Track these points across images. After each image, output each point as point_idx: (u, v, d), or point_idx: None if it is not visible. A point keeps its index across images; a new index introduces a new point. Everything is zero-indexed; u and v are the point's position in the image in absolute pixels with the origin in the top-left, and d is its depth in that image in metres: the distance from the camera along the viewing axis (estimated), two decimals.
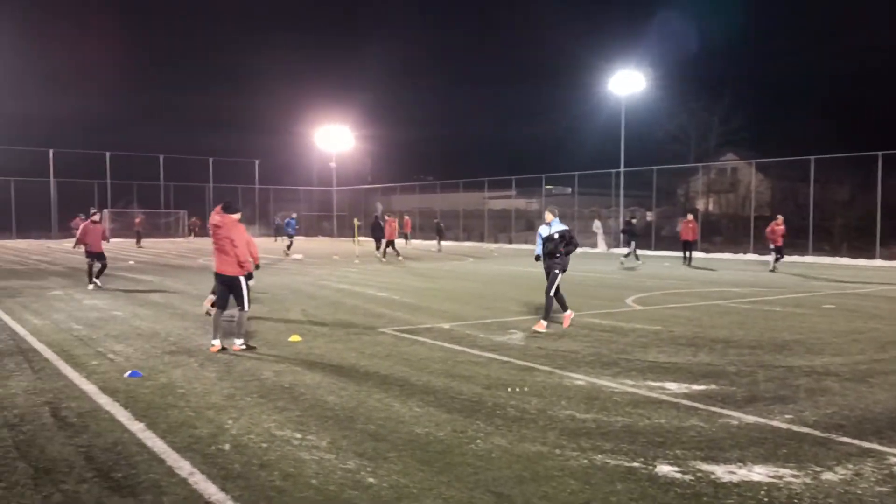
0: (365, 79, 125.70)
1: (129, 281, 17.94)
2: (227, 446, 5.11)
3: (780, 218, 22.52)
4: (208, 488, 4.33)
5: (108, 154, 53.37)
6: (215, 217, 8.70)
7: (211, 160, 58.05)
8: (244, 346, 8.66)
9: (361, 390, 6.76)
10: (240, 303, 8.63)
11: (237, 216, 8.75)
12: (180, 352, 8.59)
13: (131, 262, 25.26)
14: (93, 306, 12.82)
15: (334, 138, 58.70)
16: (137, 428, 5.53)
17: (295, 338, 9.43)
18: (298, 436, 5.35)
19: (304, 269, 22.11)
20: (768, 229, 22.74)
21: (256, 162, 60.95)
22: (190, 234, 48.41)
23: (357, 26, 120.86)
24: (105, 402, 6.29)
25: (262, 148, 79.22)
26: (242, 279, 8.65)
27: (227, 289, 8.70)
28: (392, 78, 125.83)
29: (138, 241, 39.32)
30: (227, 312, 8.82)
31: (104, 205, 51.75)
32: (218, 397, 6.48)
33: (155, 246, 39.39)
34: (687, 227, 25.35)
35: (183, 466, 4.69)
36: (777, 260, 22.90)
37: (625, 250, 35.64)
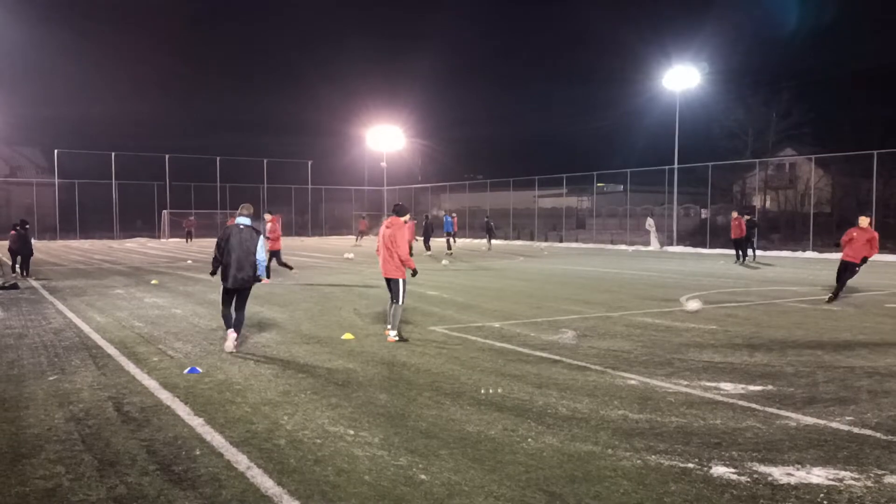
0: (416, 79, 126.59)
1: (187, 280, 18.44)
2: (282, 441, 5.22)
3: (735, 213, 25.58)
4: (265, 482, 4.44)
5: (167, 156, 54.96)
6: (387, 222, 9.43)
7: (265, 161, 59.25)
8: (397, 338, 9.23)
9: (413, 388, 6.82)
10: (395, 298, 9.29)
11: (404, 219, 9.44)
12: (237, 349, 8.79)
13: (189, 262, 25.94)
14: (153, 304, 13.23)
15: (385, 138, 59.25)
16: (197, 423, 5.69)
17: (347, 336, 9.57)
18: (351, 432, 5.44)
19: (356, 269, 22.37)
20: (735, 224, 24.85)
21: (309, 163, 61.95)
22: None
23: (408, 28, 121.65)
24: (166, 397, 6.50)
25: (315, 149, 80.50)
26: (402, 281, 9.27)
27: (388, 285, 9.41)
28: (443, 77, 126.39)
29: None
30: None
31: (163, 206, 53.31)
32: (273, 393, 6.62)
33: (211, 246, 40.33)
34: (732, 224, 24.80)
35: (240, 461, 4.82)
36: (742, 255, 25.06)
37: (678, 248, 35.03)
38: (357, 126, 63.47)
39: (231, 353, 8.51)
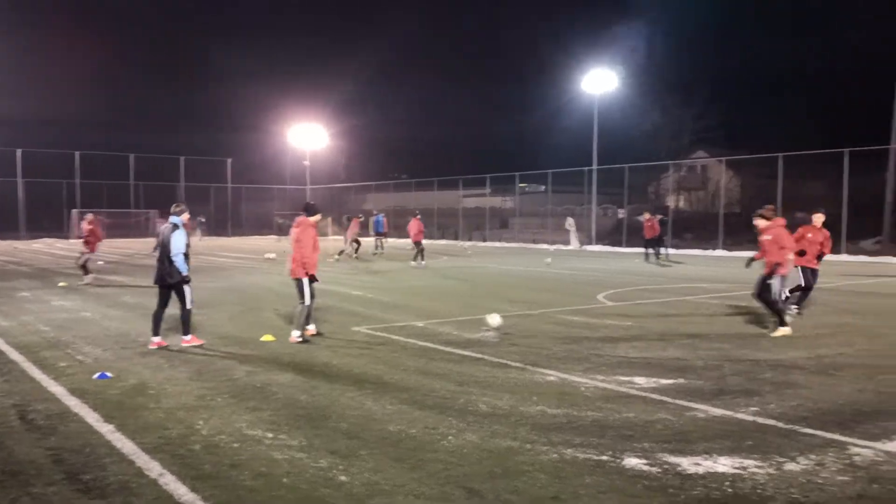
0: (339, 77, 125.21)
1: (98, 281, 17.69)
2: (197, 447, 5.09)
3: (647, 214, 25.91)
4: (178, 489, 4.31)
5: (77, 154, 52.56)
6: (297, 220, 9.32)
7: (182, 159, 57.45)
8: (300, 339, 9.12)
9: (334, 389, 6.76)
10: (301, 297, 9.17)
11: (314, 219, 9.37)
12: (151, 353, 8.51)
13: (101, 263, 24.91)
14: (61, 307, 12.65)
15: (308, 136, 58.35)
16: (107, 430, 5.48)
17: (267, 337, 9.40)
18: (270, 435, 5.35)
19: (278, 269, 21.97)
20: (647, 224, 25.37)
21: (228, 161, 60.41)
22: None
23: (330, 25, 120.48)
24: (74, 404, 6.23)
25: (235, 146, 78.36)
26: (305, 280, 9.15)
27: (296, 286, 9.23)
28: (366, 76, 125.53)
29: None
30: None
31: (73, 205, 50.96)
32: (189, 398, 6.44)
33: (126, 246, 38.88)
34: (646, 225, 25.56)
35: (153, 467, 4.67)
36: (656, 254, 25.65)
37: (598, 247, 35.96)
38: (279, 124, 62.12)
39: (178, 349, 8.63)
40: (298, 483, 4.41)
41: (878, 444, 5.12)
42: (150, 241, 44.64)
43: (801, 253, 11.33)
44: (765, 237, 9.96)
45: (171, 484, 4.39)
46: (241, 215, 60.14)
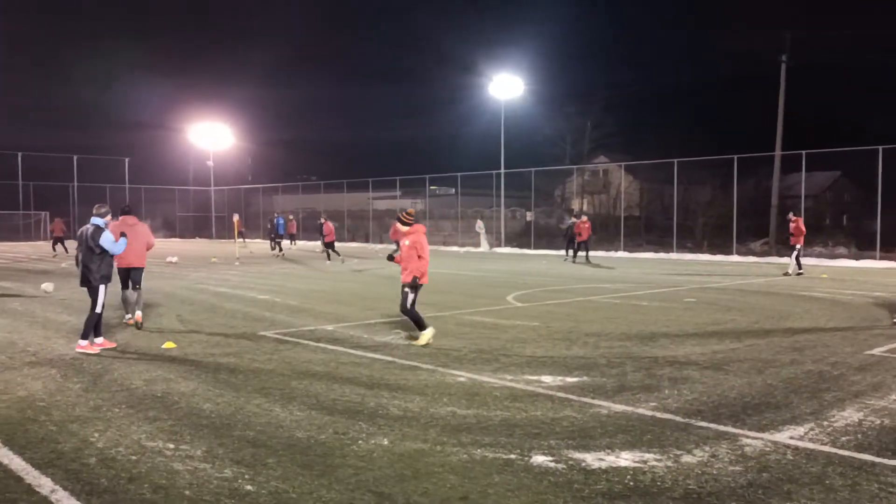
0: (244, 76, 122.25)
1: None
2: (92, 460, 4.84)
3: (584, 217, 27.19)
4: None
5: None
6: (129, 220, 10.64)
7: (75, 158, 54.53)
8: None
9: (240, 396, 6.59)
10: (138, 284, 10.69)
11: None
12: (41, 363, 8.05)
13: None
14: None
15: (212, 136, 56.52)
16: None
17: (169, 344, 9.06)
18: (171, 446, 5.15)
19: (180, 273, 21.22)
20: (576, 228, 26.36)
21: (126, 160, 57.79)
22: None
23: (236, 22, 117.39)
24: None
25: (133, 145, 75.11)
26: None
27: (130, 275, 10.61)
28: (274, 76, 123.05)
29: None
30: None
31: None
32: (83, 409, 6.13)
33: (12, 250, 36.57)
34: (582, 226, 26.25)
35: (44, 484, 4.41)
36: (576, 254, 26.69)
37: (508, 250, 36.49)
38: (180, 122, 59.94)
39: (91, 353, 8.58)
40: (201, 495, 4.26)
41: (767, 435, 5.44)
42: (41, 245, 42.19)
43: None
44: (404, 242, 9.17)
45: (64, 500, 4.16)
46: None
